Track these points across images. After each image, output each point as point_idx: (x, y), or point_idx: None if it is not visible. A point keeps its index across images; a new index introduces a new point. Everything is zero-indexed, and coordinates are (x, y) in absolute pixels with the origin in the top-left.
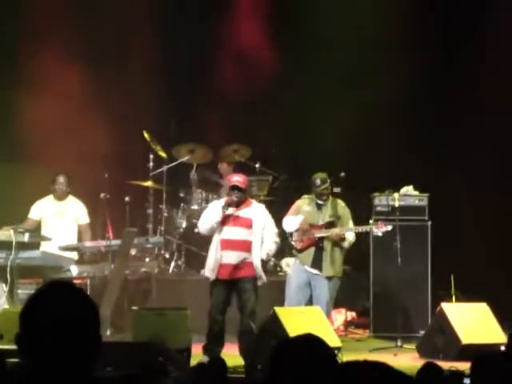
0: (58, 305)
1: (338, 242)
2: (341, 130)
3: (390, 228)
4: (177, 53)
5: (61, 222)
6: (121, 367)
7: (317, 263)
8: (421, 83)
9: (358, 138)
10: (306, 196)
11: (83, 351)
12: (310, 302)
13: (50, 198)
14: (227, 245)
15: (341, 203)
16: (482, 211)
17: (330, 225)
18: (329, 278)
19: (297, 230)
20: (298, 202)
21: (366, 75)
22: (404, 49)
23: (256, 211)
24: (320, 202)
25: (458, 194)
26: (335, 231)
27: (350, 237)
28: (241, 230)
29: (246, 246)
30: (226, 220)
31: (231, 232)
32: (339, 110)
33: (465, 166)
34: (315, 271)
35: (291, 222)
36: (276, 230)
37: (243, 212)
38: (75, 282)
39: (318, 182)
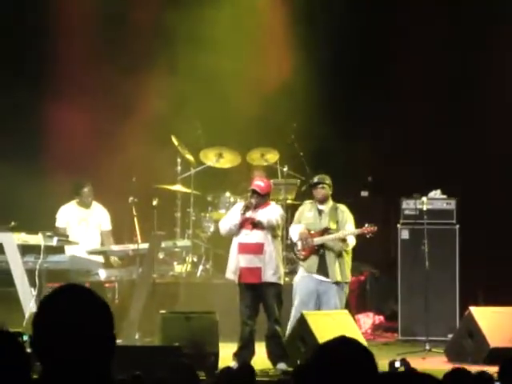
0: (67, 308)
1: (339, 247)
2: (368, 133)
3: (375, 229)
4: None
5: (85, 228)
6: (149, 371)
7: (323, 270)
8: (440, 82)
9: (386, 142)
10: (307, 201)
11: (95, 353)
12: (317, 310)
13: (73, 203)
14: (244, 248)
15: (341, 207)
16: (510, 214)
17: (325, 231)
18: (336, 284)
19: (299, 240)
20: (300, 209)
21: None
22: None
23: (270, 210)
24: (320, 206)
25: (488, 197)
26: (330, 237)
27: (350, 240)
28: (258, 233)
29: (262, 249)
30: (244, 223)
31: (248, 235)
32: (365, 113)
33: (494, 168)
34: (322, 278)
35: (293, 231)
36: (279, 219)
37: (259, 214)
38: (106, 285)
39: (315, 179)
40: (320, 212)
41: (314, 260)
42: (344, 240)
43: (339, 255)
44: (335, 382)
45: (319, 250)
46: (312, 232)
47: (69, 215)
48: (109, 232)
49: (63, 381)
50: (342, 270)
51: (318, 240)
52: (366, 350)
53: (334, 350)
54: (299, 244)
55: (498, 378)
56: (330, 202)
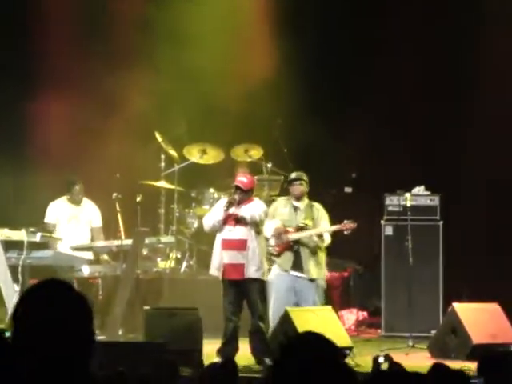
0: (46, 303)
1: (313, 243)
2: (352, 130)
3: (354, 225)
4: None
5: (75, 225)
6: (132, 367)
7: (298, 266)
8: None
9: (370, 138)
10: (282, 198)
11: (74, 348)
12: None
13: (64, 199)
14: (228, 244)
15: (316, 205)
16: (494, 211)
17: (301, 228)
18: (313, 280)
19: (273, 235)
20: (274, 205)
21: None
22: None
23: (253, 205)
24: (296, 203)
25: (471, 193)
26: (306, 234)
27: (325, 237)
28: (241, 229)
29: (246, 245)
30: (227, 219)
31: (231, 231)
32: (349, 109)
33: (477, 164)
34: (298, 274)
35: (268, 227)
36: (262, 215)
37: (242, 210)
38: (90, 281)
39: (293, 176)
40: (295, 208)
41: (288, 256)
42: (321, 236)
43: (314, 252)
44: (303, 377)
45: (294, 247)
46: (288, 228)
47: (59, 212)
48: (99, 229)
49: (42, 376)
50: (317, 266)
51: (294, 236)
52: (331, 344)
53: (299, 346)
54: (273, 240)
55: (477, 374)
56: (306, 200)
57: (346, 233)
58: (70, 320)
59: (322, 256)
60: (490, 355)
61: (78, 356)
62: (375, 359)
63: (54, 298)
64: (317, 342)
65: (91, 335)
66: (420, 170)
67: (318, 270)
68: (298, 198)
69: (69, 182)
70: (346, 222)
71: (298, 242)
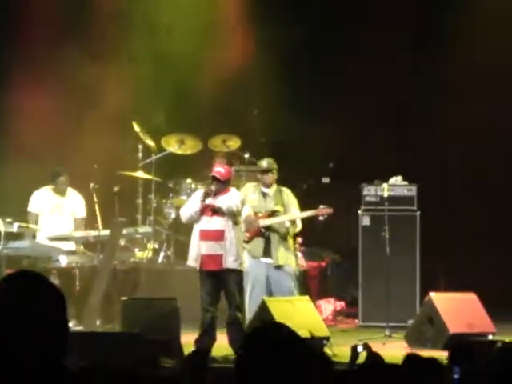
0: (16, 295)
1: (284, 229)
2: (330, 120)
3: (330, 211)
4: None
5: (58, 216)
6: (110, 357)
7: (268, 252)
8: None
9: (347, 128)
10: (250, 184)
11: (47, 339)
12: (270, 295)
13: (48, 189)
14: (205, 235)
15: (285, 190)
16: (471, 201)
17: (273, 214)
18: (283, 267)
19: (243, 221)
20: (243, 191)
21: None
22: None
23: (230, 196)
24: (265, 189)
25: (448, 183)
26: (279, 219)
27: (297, 223)
28: (218, 220)
29: (223, 235)
30: (204, 210)
31: (209, 222)
32: (327, 99)
33: (456, 155)
34: (269, 260)
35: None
36: (239, 205)
37: (219, 201)
38: (68, 272)
39: (265, 165)
40: (264, 194)
41: (258, 242)
42: (293, 222)
43: (284, 238)
44: (266, 368)
45: (265, 233)
46: (259, 214)
47: (42, 201)
48: (82, 219)
49: (14, 367)
50: (285, 253)
51: (265, 222)
52: (294, 334)
53: (262, 337)
54: (243, 226)
55: (448, 363)
56: (274, 186)
57: (321, 218)
58: (43, 311)
59: (291, 242)
60: (460, 344)
61: (52, 347)
62: (354, 348)
63: (25, 290)
64: (279, 332)
65: (65, 326)
66: (397, 159)
67: (286, 256)
68: (268, 186)
69: (54, 173)
70: (321, 207)
71: (268, 228)
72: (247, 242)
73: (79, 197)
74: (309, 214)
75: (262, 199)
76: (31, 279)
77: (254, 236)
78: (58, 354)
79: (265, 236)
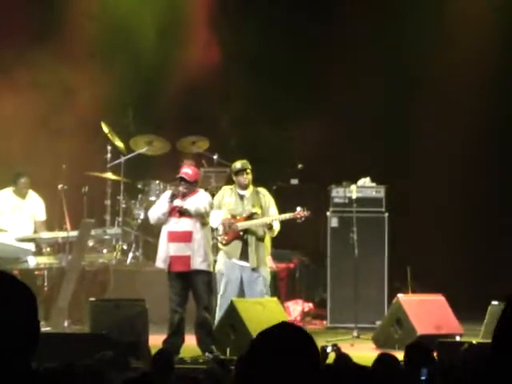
0: None
1: (262, 232)
2: (299, 122)
3: (307, 214)
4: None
5: (18, 217)
6: (78, 359)
7: (245, 255)
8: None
9: (316, 130)
10: (226, 187)
11: (17, 340)
12: (242, 297)
13: (9, 190)
14: (173, 237)
15: (262, 191)
16: (438, 202)
17: (251, 216)
18: (258, 270)
19: (221, 224)
20: (219, 194)
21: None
22: None
23: (198, 197)
24: (241, 192)
25: (416, 184)
26: (257, 222)
27: (275, 225)
28: (186, 221)
29: (191, 237)
30: (173, 211)
31: (177, 224)
32: (298, 99)
33: (423, 156)
34: (245, 263)
35: (215, 217)
36: (207, 207)
37: (187, 202)
38: (35, 273)
39: (239, 165)
40: (241, 197)
41: (236, 245)
42: (270, 227)
43: (261, 241)
44: (276, 368)
45: (243, 236)
46: (237, 217)
47: (2, 202)
48: (42, 222)
49: None
50: (260, 255)
51: (243, 224)
52: (307, 335)
53: (275, 336)
54: (220, 228)
55: (404, 363)
56: (251, 187)
57: (298, 221)
58: (13, 311)
59: (267, 245)
60: (419, 347)
61: (22, 348)
62: (323, 349)
63: None
64: (293, 332)
65: (36, 326)
66: (366, 160)
67: (263, 259)
68: (245, 187)
69: (15, 175)
70: (299, 209)
71: (246, 230)
72: (225, 244)
73: (39, 200)
74: (286, 216)
75: (240, 202)
76: (1, 278)
77: (232, 239)
78: (27, 355)
79: (243, 239)
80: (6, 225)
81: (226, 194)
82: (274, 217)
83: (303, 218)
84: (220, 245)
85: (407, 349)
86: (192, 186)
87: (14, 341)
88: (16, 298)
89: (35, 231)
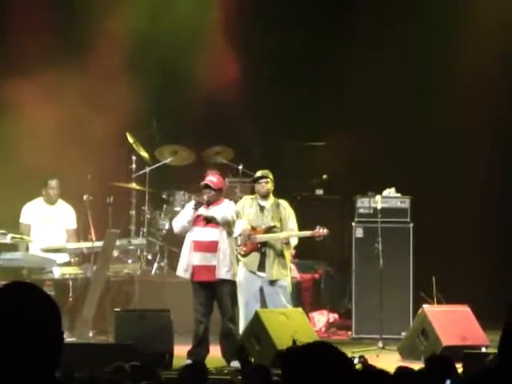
0: (10, 307)
1: (280, 245)
2: (324, 132)
3: (326, 232)
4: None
5: (50, 227)
6: (103, 369)
7: (263, 267)
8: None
9: (342, 140)
10: (247, 197)
11: (41, 351)
12: (264, 308)
13: (40, 200)
14: (198, 246)
15: (283, 203)
16: (465, 213)
17: (270, 229)
18: (277, 282)
19: (240, 235)
20: (240, 204)
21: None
22: None
23: (223, 206)
24: (262, 202)
25: (442, 195)
26: (276, 236)
27: (292, 241)
28: (211, 230)
29: (217, 246)
30: (197, 220)
31: (201, 232)
32: (323, 110)
33: (449, 167)
34: (263, 275)
35: (236, 227)
36: (234, 216)
37: (212, 211)
38: (61, 283)
39: (259, 174)
40: (262, 208)
41: (255, 257)
42: (287, 242)
43: (280, 254)
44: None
45: (261, 248)
46: (257, 229)
47: (34, 212)
48: (74, 231)
49: (7, 380)
50: (280, 268)
51: (262, 237)
52: (346, 357)
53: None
54: (239, 239)
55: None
56: (272, 198)
57: (317, 239)
58: (37, 322)
59: (288, 257)
60: (439, 358)
61: (45, 358)
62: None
63: (19, 301)
64: (332, 353)
65: (59, 338)
66: (391, 171)
67: (280, 271)
68: (264, 197)
69: (43, 180)
70: (318, 228)
71: (264, 243)
72: (244, 255)
73: (70, 208)
74: (305, 234)
75: (260, 213)
76: (25, 290)
77: (250, 250)
78: (51, 366)
79: (261, 251)
80: (39, 235)
81: (247, 204)
82: (292, 233)
83: (321, 237)
84: (239, 256)
85: (428, 360)
86: (217, 193)
87: (38, 352)
88: (39, 309)
89: (67, 240)
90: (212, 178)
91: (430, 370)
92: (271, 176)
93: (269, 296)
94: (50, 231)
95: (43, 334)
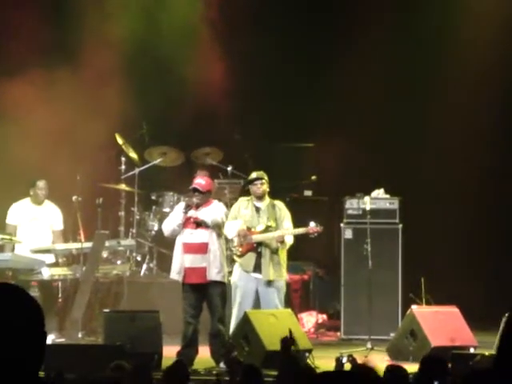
0: None
1: (276, 245)
2: (313, 134)
3: (320, 229)
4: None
5: (36, 227)
6: (92, 370)
7: (259, 267)
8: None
9: (330, 142)
10: (242, 198)
11: (24, 351)
12: (258, 308)
13: (27, 201)
14: (188, 248)
15: (279, 204)
16: (453, 213)
17: (266, 229)
18: (273, 282)
19: (236, 236)
20: (236, 205)
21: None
22: None
23: (213, 208)
24: (257, 203)
25: (430, 195)
26: (271, 235)
27: (288, 239)
28: (202, 232)
29: (207, 248)
30: (187, 223)
31: (192, 235)
32: (312, 112)
33: (436, 169)
34: (259, 276)
35: (231, 228)
36: (224, 217)
37: (202, 213)
38: (50, 284)
39: (254, 175)
40: (257, 209)
41: (251, 257)
42: (283, 241)
43: (275, 253)
44: None
45: (257, 248)
46: (252, 229)
47: (21, 213)
48: (60, 232)
49: None
50: (276, 268)
51: (257, 237)
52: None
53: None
54: (235, 240)
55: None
56: (267, 199)
57: (311, 236)
58: (18, 323)
59: (284, 257)
60: (434, 359)
61: (27, 360)
62: (338, 360)
63: (1, 302)
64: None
65: (42, 338)
66: (380, 172)
67: (277, 271)
68: (260, 198)
69: (32, 181)
70: (311, 225)
71: (260, 243)
72: (240, 256)
73: (57, 209)
74: (300, 231)
75: (255, 214)
76: (6, 291)
77: (246, 251)
78: (34, 367)
79: (257, 251)
80: (25, 235)
81: (242, 205)
82: (287, 231)
83: (316, 234)
84: (235, 256)
85: (422, 361)
86: (205, 196)
87: (20, 353)
88: (20, 310)
89: (53, 241)
90: (200, 181)
91: (424, 371)
92: (266, 177)
93: (263, 296)
94: (36, 231)
95: (25, 335)
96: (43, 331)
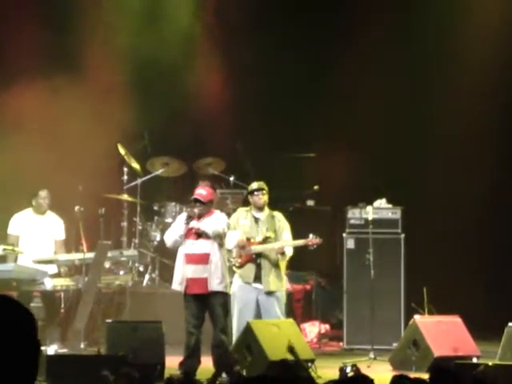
0: None
1: (275, 256)
2: (315, 144)
3: (319, 241)
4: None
5: (39, 237)
6: (95, 380)
7: (259, 278)
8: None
9: (332, 153)
10: (241, 209)
11: (18, 363)
12: (259, 319)
13: (29, 211)
14: (190, 259)
15: (278, 215)
16: (454, 224)
17: (265, 240)
18: (273, 293)
19: (235, 246)
20: (235, 216)
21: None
22: None
23: (214, 218)
24: (257, 214)
25: (432, 206)
26: (270, 246)
27: (288, 251)
28: (203, 243)
29: (208, 258)
30: (188, 233)
31: (193, 245)
32: (314, 122)
33: (440, 178)
34: (259, 286)
35: (230, 238)
36: (225, 227)
37: (204, 223)
38: (53, 294)
39: (255, 186)
40: (256, 220)
41: (250, 268)
42: (283, 252)
43: (275, 264)
44: None
45: (256, 259)
46: (251, 240)
47: (23, 223)
48: (62, 242)
49: None
50: (276, 279)
51: (257, 248)
52: None
53: None
54: (235, 251)
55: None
56: (267, 210)
57: (310, 248)
58: (11, 334)
59: (283, 268)
60: (442, 368)
61: (21, 371)
62: (342, 369)
63: None
64: None
65: (35, 349)
66: (382, 182)
67: (277, 282)
68: (260, 209)
69: (33, 192)
70: (311, 237)
71: (260, 254)
72: (239, 267)
73: (59, 219)
74: (299, 243)
75: (254, 225)
76: (2, 302)
77: (246, 262)
78: (28, 378)
79: (256, 262)
80: (27, 245)
81: (241, 216)
82: (286, 242)
83: (315, 246)
84: (234, 267)
85: (431, 370)
86: (207, 206)
87: (13, 363)
88: (13, 322)
89: (55, 251)
90: (201, 191)
91: (433, 381)
92: (266, 188)
93: (264, 307)
94: (38, 242)
95: (18, 344)
96: (36, 341)
